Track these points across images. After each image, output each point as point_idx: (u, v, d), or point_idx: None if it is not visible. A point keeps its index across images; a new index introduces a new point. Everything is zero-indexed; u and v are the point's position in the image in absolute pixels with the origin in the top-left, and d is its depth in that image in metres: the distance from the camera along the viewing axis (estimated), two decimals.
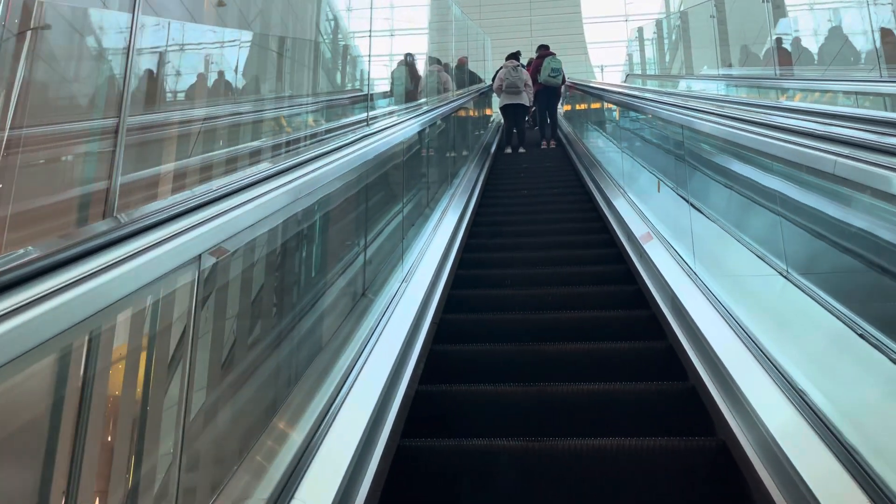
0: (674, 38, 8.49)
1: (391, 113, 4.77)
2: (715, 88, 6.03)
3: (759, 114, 2.72)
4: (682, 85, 7.30)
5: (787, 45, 4.89)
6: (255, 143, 2.86)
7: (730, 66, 5.97)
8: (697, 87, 6.66)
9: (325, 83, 4.03)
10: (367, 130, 3.23)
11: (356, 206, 2.87)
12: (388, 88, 5.67)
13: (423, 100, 6.21)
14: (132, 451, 1.15)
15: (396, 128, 3.59)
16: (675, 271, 3.11)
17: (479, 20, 14.95)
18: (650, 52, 10.12)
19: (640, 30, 10.47)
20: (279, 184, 1.74)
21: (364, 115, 3.61)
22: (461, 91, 8.19)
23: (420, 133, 4.60)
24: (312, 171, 2.04)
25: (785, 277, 2.37)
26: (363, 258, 2.86)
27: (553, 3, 17.54)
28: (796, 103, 2.97)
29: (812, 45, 4.64)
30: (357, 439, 1.72)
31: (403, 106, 5.70)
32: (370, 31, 4.13)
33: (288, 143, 3.08)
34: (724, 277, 2.78)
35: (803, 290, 2.22)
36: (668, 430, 2.12)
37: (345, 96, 4.22)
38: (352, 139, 2.73)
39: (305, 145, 3.13)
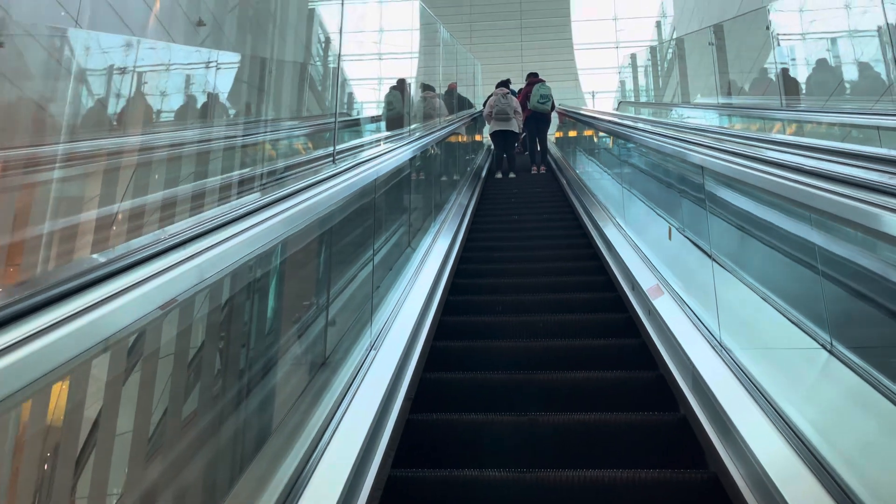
0: (668, 65, 8.30)
1: (367, 144, 3.99)
2: (716, 118, 5.80)
3: (779, 152, 2.36)
4: (679, 113, 7.05)
5: (793, 74, 4.63)
6: (176, 190, 1.96)
7: (729, 94, 5.74)
8: (695, 115, 6.42)
9: (280, 107, 3.10)
10: (329, 171, 2.49)
11: (315, 257, 2.38)
12: (367, 113, 4.84)
13: (409, 127, 5.39)
14: None
15: (370, 165, 2.93)
16: (692, 336, 2.61)
17: (470, 46, 14.86)
18: (644, 79, 9.96)
19: (633, 56, 10.35)
20: (184, 256, 1.22)
21: (330, 149, 2.79)
22: (451, 117, 7.95)
23: (403, 164, 4.09)
24: (230, 237, 1.42)
25: (829, 351, 2.01)
26: (324, 319, 2.36)
27: (544, 30, 17.53)
28: (819, 141, 2.61)
29: (822, 74, 4.38)
30: None
31: (385, 134, 4.94)
32: (340, 28, 3.16)
33: (220, 190, 2.13)
34: (752, 349, 2.37)
35: (857, 372, 1.85)
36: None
37: (306, 125, 3.22)
38: (302, 185, 2.06)
39: (236, 195, 2.15)
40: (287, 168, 2.54)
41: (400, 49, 5.11)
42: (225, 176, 2.12)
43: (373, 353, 2.55)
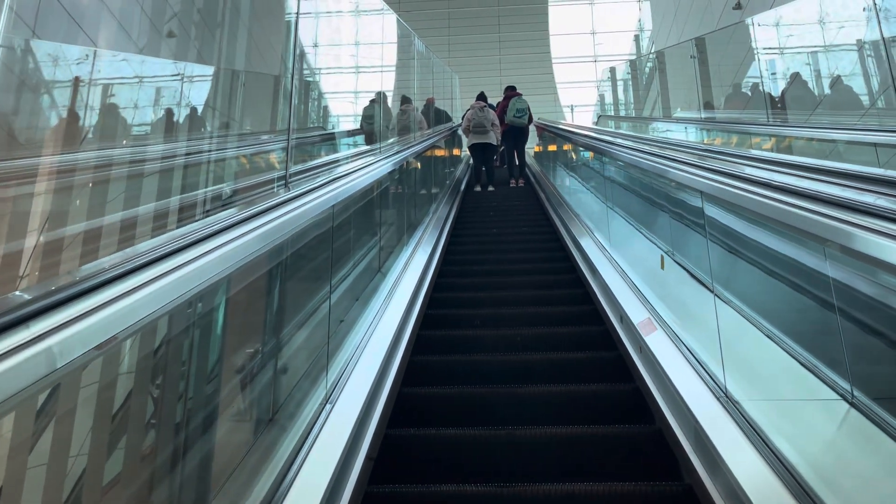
0: (647, 79, 8.28)
1: (332, 162, 3.48)
2: (700, 132, 5.71)
3: (771, 171, 2.16)
4: (662, 128, 6.95)
5: (779, 89, 4.54)
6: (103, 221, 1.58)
7: (713, 108, 5.66)
8: (677, 129, 6.32)
9: (228, 122, 2.60)
10: (278, 197, 2.04)
11: (260, 298, 2.00)
12: (342, 128, 4.42)
13: (380, 144, 4.88)
14: None
15: (329, 189, 2.51)
16: (695, 388, 2.26)
17: (449, 59, 14.89)
18: (623, 92, 9.98)
19: (613, 70, 10.39)
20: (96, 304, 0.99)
21: (284, 171, 2.32)
22: (428, 131, 7.90)
23: (372, 184, 3.68)
24: (133, 290, 1.09)
25: (850, 403, 1.73)
26: (272, 369, 2.01)
27: (522, 44, 17.65)
28: (817, 161, 2.27)
29: (810, 88, 4.25)
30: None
31: (355, 151, 4.44)
32: (294, 27, 2.70)
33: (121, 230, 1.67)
34: (763, 400, 2.07)
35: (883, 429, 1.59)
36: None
37: (247, 143, 2.64)
38: (234, 220, 1.64)
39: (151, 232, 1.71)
40: (216, 198, 2.06)
41: (372, 61, 4.92)
42: (139, 208, 1.70)
43: (329, 407, 2.17)
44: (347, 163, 3.64)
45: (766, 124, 4.28)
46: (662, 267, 3.25)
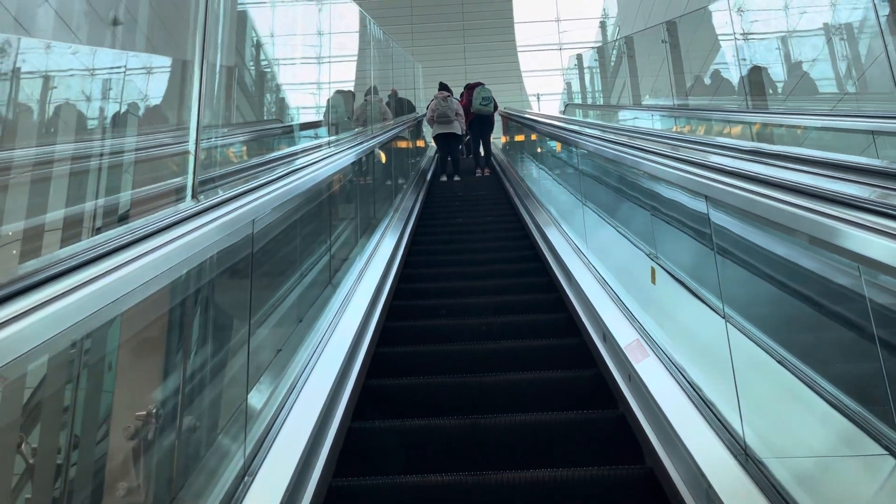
0: (615, 66, 8.18)
1: (273, 162, 2.94)
2: (673, 120, 5.54)
3: (788, 170, 1.79)
4: (632, 116, 6.77)
5: (760, 75, 4.13)
6: None
7: (686, 95, 5.49)
8: (647, 118, 6.14)
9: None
10: (180, 213, 1.59)
11: (153, 348, 1.55)
12: (283, 120, 3.82)
13: (328, 138, 4.32)
14: None
15: (250, 199, 1.97)
16: (706, 442, 1.83)
17: (412, 48, 14.76)
18: (591, 80, 9.92)
19: (580, 57, 10.35)
20: None
21: (184, 180, 1.78)
22: (388, 123, 7.76)
23: (318, 185, 3.11)
24: None
25: None
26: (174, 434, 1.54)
27: (486, 32, 17.59)
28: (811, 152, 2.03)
29: (795, 73, 3.84)
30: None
31: (304, 146, 3.87)
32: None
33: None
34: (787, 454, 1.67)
35: None
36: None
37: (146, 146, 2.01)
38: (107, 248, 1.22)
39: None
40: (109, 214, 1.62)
41: (318, 46, 4.63)
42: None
43: (248, 479, 1.73)
44: (294, 159, 3.22)
45: (749, 111, 4.03)
46: (654, 281, 2.74)
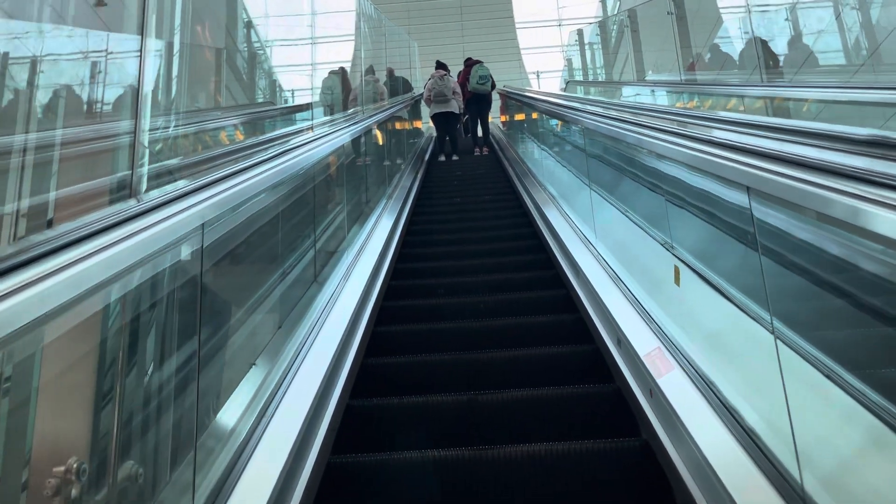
0: (616, 41, 7.96)
1: (250, 148, 2.66)
2: (682, 97, 5.30)
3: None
4: (633, 92, 6.52)
5: (775, 47, 3.83)
6: None
7: (693, 70, 5.26)
8: (656, 94, 5.84)
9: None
10: (120, 214, 1.31)
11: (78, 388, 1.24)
12: (273, 102, 3.47)
13: (312, 121, 3.89)
14: None
15: (197, 199, 1.60)
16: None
17: (408, 26, 14.60)
18: (593, 57, 9.74)
19: (580, 32, 10.17)
20: None
21: (124, 175, 1.50)
22: (382, 103, 7.62)
23: (292, 176, 2.69)
24: None
25: None
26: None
27: (484, 9, 17.38)
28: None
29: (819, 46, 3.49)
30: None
31: (285, 130, 3.57)
32: None
33: None
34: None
35: None
36: None
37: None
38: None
39: None
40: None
41: (302, 25, 4.41)
42: None
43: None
44: (275, 145, 2.86)
45: (761, 85, 3.71)
46: (678, 282, 2.34)
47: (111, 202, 1.46)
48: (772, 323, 1.56)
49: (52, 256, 1.04)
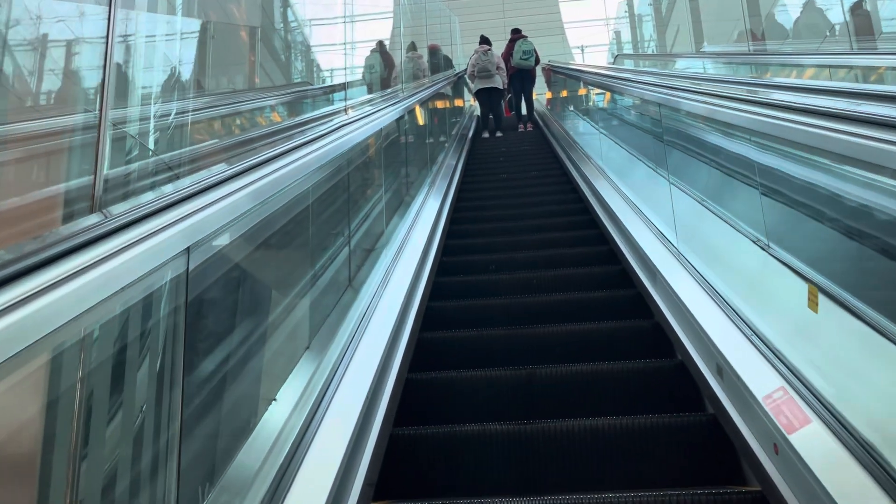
0: (667, 9, 7.48)
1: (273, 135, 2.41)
2: (749, 70, 4.52)
3: None
4: (695, 65, 5.80)
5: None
6: None
7: (763, 39, 4.63)
8: (720, 67, 5.41)
9: None
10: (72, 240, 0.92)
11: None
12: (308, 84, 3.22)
13: (346, 102, 3.61)
14: None
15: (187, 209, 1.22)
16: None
17: (449, 2, 14.42)
18: (644, 29, 9.31)
19: (630, 2, 9.83)
20: None
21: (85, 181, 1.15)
22: (423, 81, 7.49)
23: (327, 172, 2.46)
24: None
25: None
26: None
27: None
28: None
29: None
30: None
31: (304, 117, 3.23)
32: None
33: None
34: None
35: None
36: None
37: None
38: None
39: None
40: None
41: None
42: None
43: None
44: (312, 127, 2.64)
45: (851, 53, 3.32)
46: (815, 307, 1.72)
47: (65, 219, 1.13)
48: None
49: None
